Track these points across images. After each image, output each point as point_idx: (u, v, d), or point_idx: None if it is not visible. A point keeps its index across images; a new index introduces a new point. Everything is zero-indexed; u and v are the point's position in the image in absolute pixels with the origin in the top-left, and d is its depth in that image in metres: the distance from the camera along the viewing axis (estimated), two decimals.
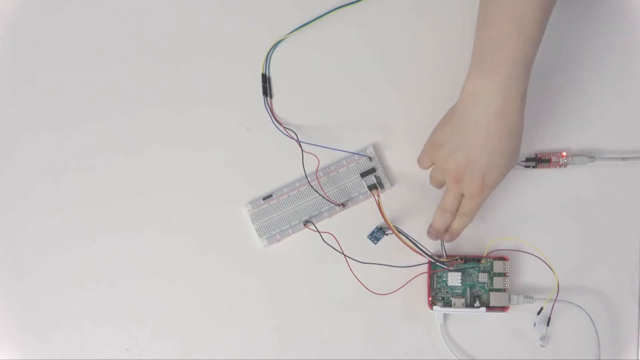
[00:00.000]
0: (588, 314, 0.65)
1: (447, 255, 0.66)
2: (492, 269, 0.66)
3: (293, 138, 0.67)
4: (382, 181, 0.67)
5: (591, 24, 0.69)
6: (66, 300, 0.67)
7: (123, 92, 0.68)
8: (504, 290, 0.66)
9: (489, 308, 0.66)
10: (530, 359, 0.67)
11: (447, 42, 0.68)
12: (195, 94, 0.68)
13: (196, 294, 0.67)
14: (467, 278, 0.66)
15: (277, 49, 0.68)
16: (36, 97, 0.68)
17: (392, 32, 0.69)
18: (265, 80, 0.68)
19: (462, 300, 0.66)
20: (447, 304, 0.66)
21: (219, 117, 0.68)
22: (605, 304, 0.67)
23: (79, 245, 0.67)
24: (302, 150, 0.66)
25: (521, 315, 0.67)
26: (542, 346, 0.66)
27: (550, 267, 0.65)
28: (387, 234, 0.67)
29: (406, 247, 0.64)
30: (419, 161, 0.64)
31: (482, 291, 0.67)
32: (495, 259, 0.67)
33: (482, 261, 0.66)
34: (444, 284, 0.67)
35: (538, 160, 0.68)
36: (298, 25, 0.68)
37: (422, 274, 0.67)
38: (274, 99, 0.68)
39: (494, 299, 0.66)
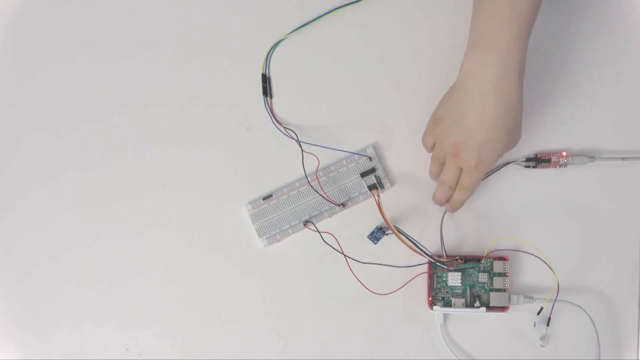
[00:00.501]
0: (588, 314, 0.65)
1: (447, 255, 0.66)
2: (492, 269, 0.66)
3: (293, 138, 0.67)
4: (382, 181, 0.67)
5: (591, 24, 0.69)
6: (66, 300, 0.67)
7: (123, 92, 0.68)
8: (504, 290, 0.66)
9: (489, 308, 0.66)
10: (530, 359, 0.67)
11: (447, 42, 0.68)
12: (196, 94, 0.68)
13: (196, 294, 0.67)
14: (467, 278, 0.66)
15: (277, 49, 0.68)
16: (36, 97, 0.68)
17: (392, 32, 0.69)
18: (265, 80, 0.68)
19: (462, 300, 0.66)
20: (447, 304, 0.66)
21: (219, 117, 0.68)
22: (605, 304, 0.67)
23: (79, 246, 0.67)
24: (302, 150, 0.66)
25: (521, 315, 0.67)
26: (542, 346, 0.66)
27: (550, 267, 0.65)
28: (387, 234, 0.67)
29: (406, 247, 0.64)
30: (423, 140, 0.65)
31: (482, 291, 0.67)
32: (495, 259, 0.67)
33: (482, 261, 0.66)
34: (444, 284, 0.67)
35: (538, 160, 0.68)
36: (298, 25, 0.68)
37: (422, 274, 0.67)
38: (274, 99, 0.68)
39: (494, 299, 0.66)
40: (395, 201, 0.68)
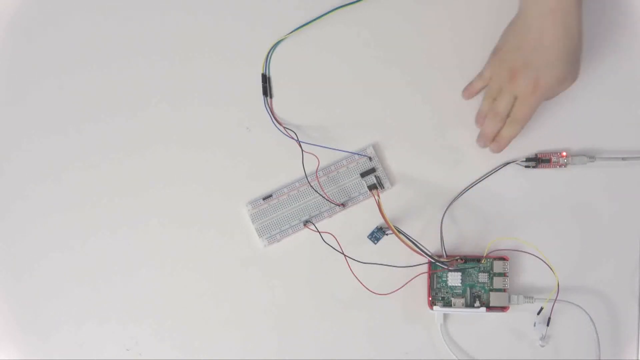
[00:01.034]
0: (588, 314, 0.65)
1: (447, 255, 0.66)
2: (492, 269, 0.66)
3: (293, 138, 0.67)
4: (382, 181, 0.67)
5: (591, 25, 0.69)
6: (66, 300, 0.67)
7: (123, 92, 0.68)
8: (504, 290, 0.66)
9: (489, 308, 0.66)
10: (530, 359, 0.67)
11: (447, 41, 0.68)
12: (196, 94, 0.68)
13: (196, 294, 0.67)
14: (467, 278, 0.66)
15: (277, 49, 0.68)
16: (36, 97, 0.68)
17: (392, 31, 0.69)
18: (265, 80, 0.68)
19: (462, 300, 0.66)
20: (447, 304, 0.66)
21: (219, 117, 0.68)
22: (605, 304, 0.67)
23: (79, 245, 0.67)
24: (302, 150, 0.66)
25: (521, 315, 0.67)
26: (542, 346, 0.66)
27: (550, 267, 0.65)
28: (387, 234, 0.67)
29: (406, 247, 0.64)
30: (480, 75, 0.64)
31: (482, 291, 0.67)
32: (495, 259, 0.66)
33: (482, 261, 0.66)
34: (444, 284, 0.67)
35: (538, 160, 0.68)
36: (298, 25, 0.68)
37: (422, 274, 0.67)
38: (274, 99, 0.68)
39: (494, 299, 0.66)
40: (395, 201, 0.68)
